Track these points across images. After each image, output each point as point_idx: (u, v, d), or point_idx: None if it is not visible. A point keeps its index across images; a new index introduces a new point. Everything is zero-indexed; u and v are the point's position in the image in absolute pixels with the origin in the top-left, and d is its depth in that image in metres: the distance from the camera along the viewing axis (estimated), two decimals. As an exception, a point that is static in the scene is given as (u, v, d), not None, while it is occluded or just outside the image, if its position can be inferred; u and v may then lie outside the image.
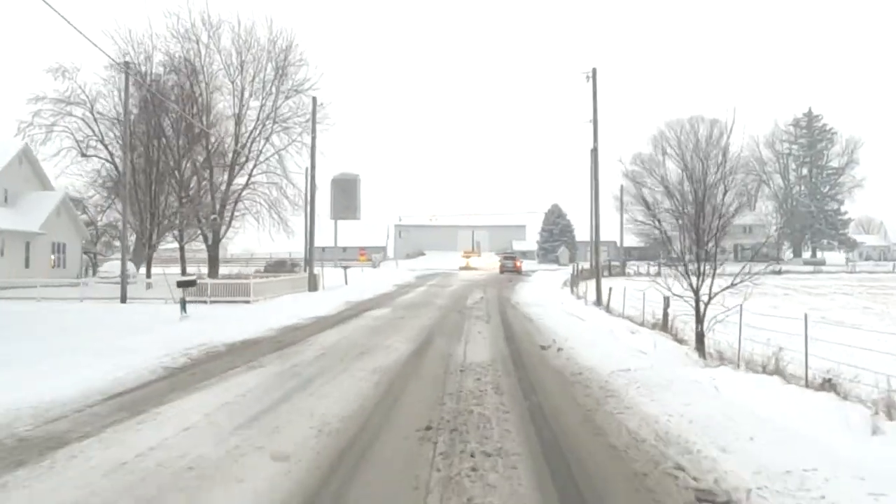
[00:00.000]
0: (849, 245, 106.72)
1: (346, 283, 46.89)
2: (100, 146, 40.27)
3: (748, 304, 14.63)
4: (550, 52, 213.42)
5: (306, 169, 41.99)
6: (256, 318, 24.09)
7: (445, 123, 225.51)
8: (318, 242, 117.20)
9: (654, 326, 20.57)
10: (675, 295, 15.89)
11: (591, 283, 36.66)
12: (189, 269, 45.75)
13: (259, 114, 42.95)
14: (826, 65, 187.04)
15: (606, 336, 19.08)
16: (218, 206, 42.42)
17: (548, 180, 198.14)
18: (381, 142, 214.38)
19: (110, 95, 39.64)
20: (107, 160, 40.64)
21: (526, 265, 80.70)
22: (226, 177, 43.14)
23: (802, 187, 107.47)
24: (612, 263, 66.70)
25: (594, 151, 34.43)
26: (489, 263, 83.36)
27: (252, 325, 21.67)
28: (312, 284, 40.84)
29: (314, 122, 40.76)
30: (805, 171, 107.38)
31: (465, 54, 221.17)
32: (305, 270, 50.23)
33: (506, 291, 41.20)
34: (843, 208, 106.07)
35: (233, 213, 44.13)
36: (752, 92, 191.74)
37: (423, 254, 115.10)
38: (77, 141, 39.92)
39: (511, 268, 66.25)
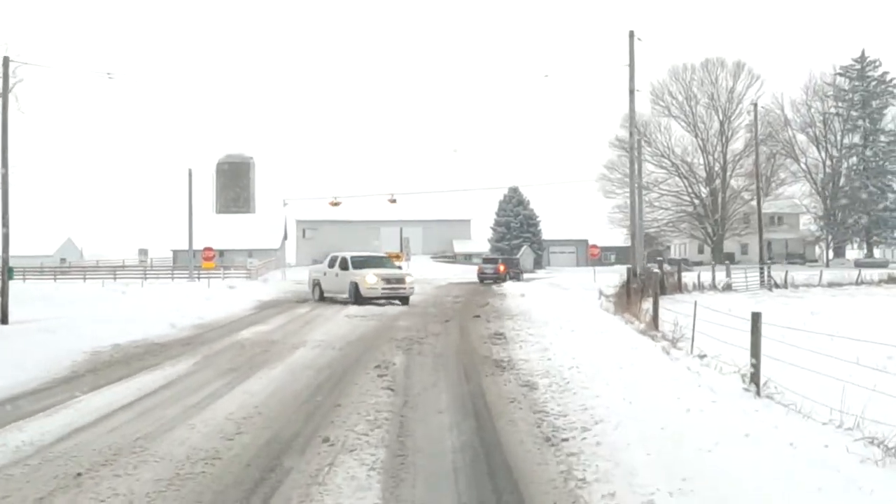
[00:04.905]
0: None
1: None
2: None
3: None
4: None
5: None
6: None
7: (363, 95, 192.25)
8: (178, 245, 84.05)
9: None
10: None
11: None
12: None
13: None
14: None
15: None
16: None
17: (499, 162, 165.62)
18: (279, 120, 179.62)
19: None
20: None
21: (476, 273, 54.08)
22: None
23: (853, 160, 78.02)
24: (667, 269, 36.46)
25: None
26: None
27: None
28: None
29: None
30: (856, 138, 77.81)
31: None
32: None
33: None
34: (912, 189, 76.95)
35: None
36: (777, 34, 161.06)
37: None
38: None
39: (492, 273, 51.33)
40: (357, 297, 26.90)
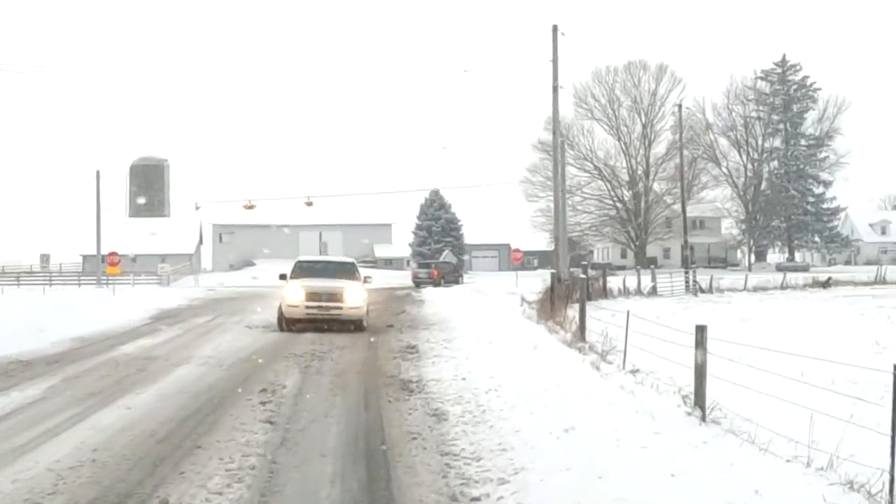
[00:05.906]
0: (841, 243, 78.25)
1: None
2: None
3: None
4: None
5: None
6: None
7: (278, 96, 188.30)
8: (88, 250, 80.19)
9: None
10: None
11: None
12: None
13: None
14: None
15: None
16: None
17: (420, 164, 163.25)
18: (193, 121, 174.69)
19: None
20: None
21: (399, 279, 54.24)
22: None
23: (774, 164, 78.63)
24: (592, 274, 35.29)
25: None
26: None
27: None
28: None
29: None
30: (777, 142, 78.45)
31: None
32: None
33: None
34: (828, 193, 77.79)
35: None
36: (699, 37, 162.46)
37: (252, 264, 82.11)
38: None
39: (426, 278, 52.68)
40: (279, 320, 19.03)
